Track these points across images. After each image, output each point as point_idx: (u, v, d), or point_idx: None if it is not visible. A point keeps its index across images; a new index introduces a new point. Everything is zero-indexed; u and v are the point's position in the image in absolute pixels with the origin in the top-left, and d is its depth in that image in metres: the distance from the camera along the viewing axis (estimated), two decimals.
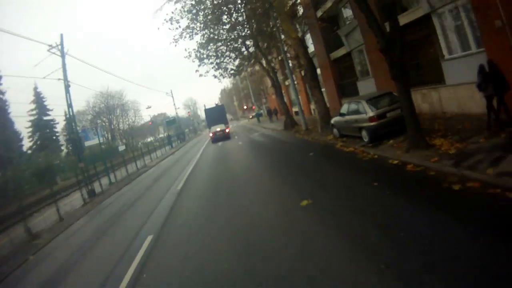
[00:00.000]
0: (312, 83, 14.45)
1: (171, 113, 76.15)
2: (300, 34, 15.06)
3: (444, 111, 11.23)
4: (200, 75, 21.05)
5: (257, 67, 28.23)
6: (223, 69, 22.15)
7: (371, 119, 9.78)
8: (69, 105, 17.75)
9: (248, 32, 20.40)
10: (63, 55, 20.15)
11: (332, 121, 12.78)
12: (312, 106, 27.03)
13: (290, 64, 20.39)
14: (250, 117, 77.59)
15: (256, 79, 51.82)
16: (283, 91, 25.47)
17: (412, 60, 11.80)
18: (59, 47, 20.31)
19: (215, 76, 22.23)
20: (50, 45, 20.43)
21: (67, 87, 18.32)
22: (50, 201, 18.98)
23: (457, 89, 10.37)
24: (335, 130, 12.63)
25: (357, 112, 10.53)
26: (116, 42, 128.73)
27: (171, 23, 19.13)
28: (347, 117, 11.24)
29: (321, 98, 14.51)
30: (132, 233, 7.58)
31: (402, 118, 9.61)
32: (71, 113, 17.95)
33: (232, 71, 22.71)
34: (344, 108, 11.56)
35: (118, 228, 8.91)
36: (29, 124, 45.82)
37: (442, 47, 10.71)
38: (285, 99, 25.24)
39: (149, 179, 17.10)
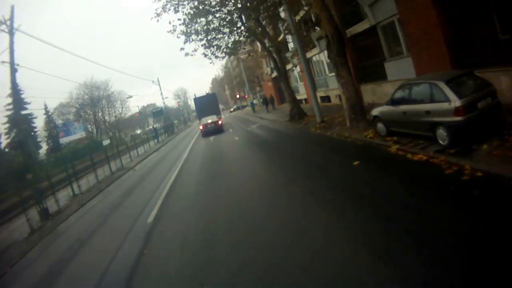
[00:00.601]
0: (338, 59, 10.48)
1: (161, 103, 71.64)
2: None
3: None
4: (186, 54, 16.96)
5: (255, 47, 24.05)
6: (214, 47, 17.97)
7: (457, 111, 6.04)
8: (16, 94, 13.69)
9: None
10: (11, 32, 15.89)
11: (376, 112, 8.91)
12: (321, 94, 23.25)
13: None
14: (231, 110, 70.20)
15: (251, 64, 47.53)
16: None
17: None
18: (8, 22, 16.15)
19: (205, 55, 18.06)
20: None
21: (13, 71, 14.22)
22: (13, 213, 15.04)
23: None
24: (379, 125, 8.80)
25: (427, 99, 6.77)
26: (101, 29, 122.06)
27: None
28: (407, 107, 7.45)
29: (350, 80, 10.61)
30: None
31: (495, 110, 6.41)
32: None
33: (226, 50, 18.49)
34: (400, 94, 7.78)
35: None
36: (6, 119, 41.07)
37: None
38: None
39: (119, 191, 12.78)
